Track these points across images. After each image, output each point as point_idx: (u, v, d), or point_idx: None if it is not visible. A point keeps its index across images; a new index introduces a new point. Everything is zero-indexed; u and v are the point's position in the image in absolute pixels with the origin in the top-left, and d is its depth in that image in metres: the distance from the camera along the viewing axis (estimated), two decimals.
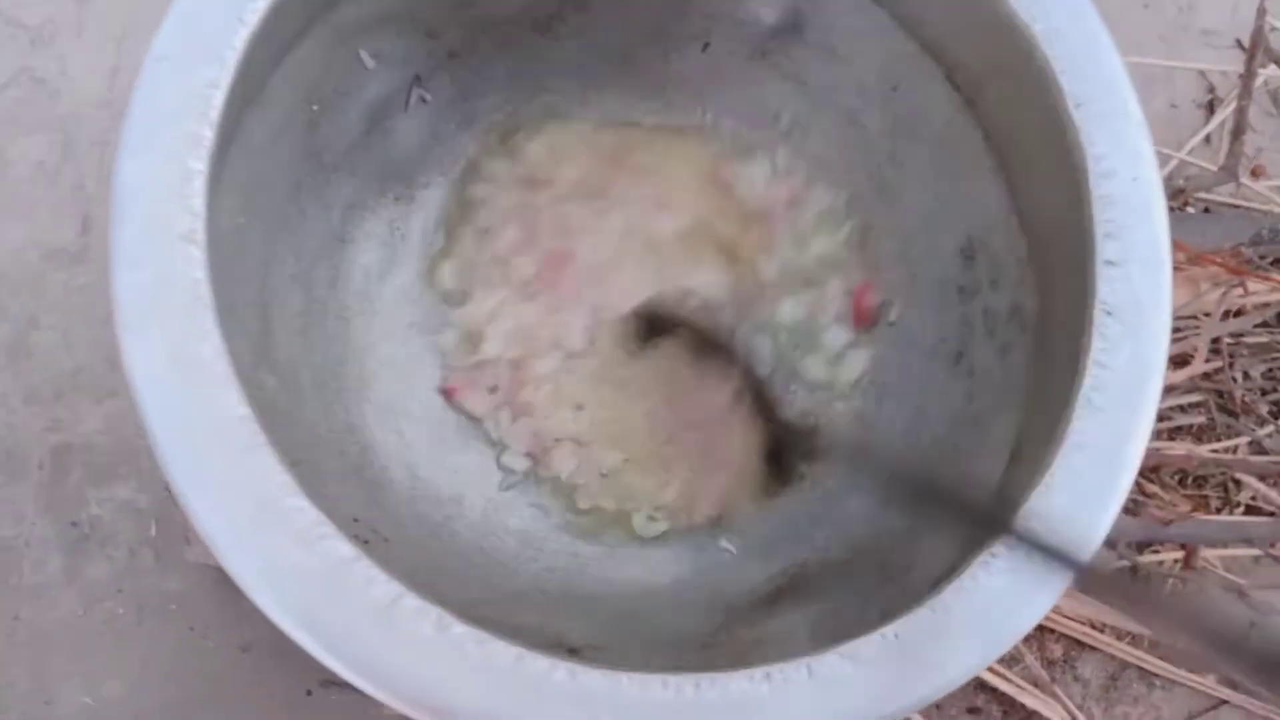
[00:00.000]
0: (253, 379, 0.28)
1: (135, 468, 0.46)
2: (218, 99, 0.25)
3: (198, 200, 0.24)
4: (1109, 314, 0.26)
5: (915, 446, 0.36)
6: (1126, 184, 0.27)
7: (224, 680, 0.44)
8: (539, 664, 0.23)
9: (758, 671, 0.23)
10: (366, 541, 0.30)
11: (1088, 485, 0.25)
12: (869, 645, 0.24)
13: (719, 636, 0.33)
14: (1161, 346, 0.25)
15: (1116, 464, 0.25)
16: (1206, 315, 0.49)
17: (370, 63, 0.34)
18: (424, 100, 0.37)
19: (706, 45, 0.39)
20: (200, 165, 0.25)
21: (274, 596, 0.22)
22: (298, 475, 0.28)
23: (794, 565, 0.37)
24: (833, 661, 0.24)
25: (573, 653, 0.29)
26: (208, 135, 0.25)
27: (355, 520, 0.31)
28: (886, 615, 0.27)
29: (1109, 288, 0.27)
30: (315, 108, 0.33)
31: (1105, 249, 0.27)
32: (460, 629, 0.23)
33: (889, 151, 0.39)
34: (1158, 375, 0.25)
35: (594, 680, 0.23)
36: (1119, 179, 0.27)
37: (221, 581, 0.42)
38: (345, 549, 0.23)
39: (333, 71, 0.33)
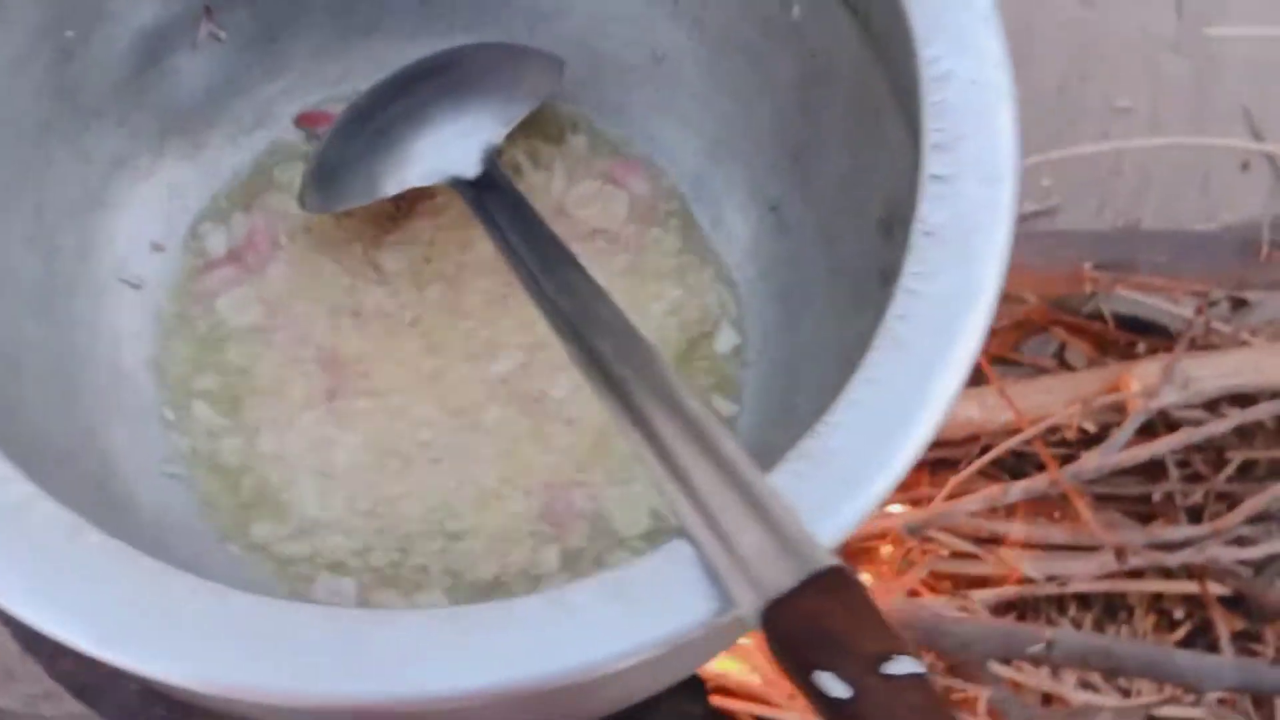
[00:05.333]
0: None
1: None
2: None
3: None
4: (928, 235, 0.22)
5: None
6: (964, 88, 0.24)
7: None
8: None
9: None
10: None
11: (873, 424, 0.21)
12: None
13: None
14: (992, 273, 0.21)
15: (912, 402, 0.21)
16: None
17: None
18: (217, 38, 0.31)
19: None
20: None
21: None
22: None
23: None
24: None
25: None
26: None
27: None
28: None
29: (931, 206, 0.22)
30: (70, 34, 0.28)
31: (932, 162, 0.23)
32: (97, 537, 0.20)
33: (800, 103, 0.31)
34: (981, 307, 0.21)
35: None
36: (955, 83, 0.24)
37: None
38: None
39: None
